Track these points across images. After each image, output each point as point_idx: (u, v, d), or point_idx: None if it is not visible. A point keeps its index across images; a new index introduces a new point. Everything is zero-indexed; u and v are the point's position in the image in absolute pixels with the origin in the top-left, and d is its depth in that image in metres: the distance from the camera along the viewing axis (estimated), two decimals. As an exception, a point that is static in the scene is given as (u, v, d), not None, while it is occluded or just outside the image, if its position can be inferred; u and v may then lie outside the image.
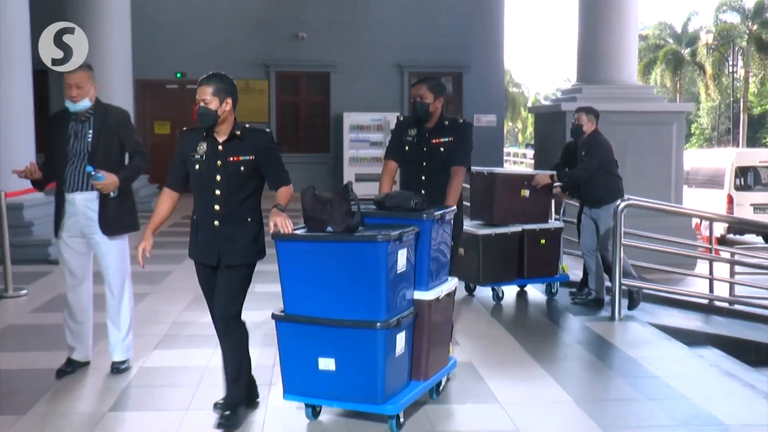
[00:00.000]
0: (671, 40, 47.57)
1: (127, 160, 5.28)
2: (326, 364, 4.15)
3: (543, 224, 7.67)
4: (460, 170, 5.25)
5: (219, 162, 4.32)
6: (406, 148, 5.35)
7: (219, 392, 4.82)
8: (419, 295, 4.45)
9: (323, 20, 18.58)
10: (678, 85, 46.55)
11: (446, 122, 5.32)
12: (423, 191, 5.10)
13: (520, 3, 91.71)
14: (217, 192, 4.32)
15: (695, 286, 10.13)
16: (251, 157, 4.32)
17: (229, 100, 4.35)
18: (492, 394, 4.93)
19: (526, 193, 7.48)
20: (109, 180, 4.94)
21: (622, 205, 7.03)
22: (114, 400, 4.81)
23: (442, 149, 5.25)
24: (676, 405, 4.79)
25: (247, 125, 4.46)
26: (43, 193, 7.89)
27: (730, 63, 41.76)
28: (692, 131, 47.38)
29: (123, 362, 5.32)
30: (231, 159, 4.31)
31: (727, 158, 19.07)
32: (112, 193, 5.00)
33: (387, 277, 4.07)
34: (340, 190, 4.22)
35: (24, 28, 10.11)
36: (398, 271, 4.19)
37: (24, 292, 7.82)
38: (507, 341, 6.17)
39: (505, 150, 24.81)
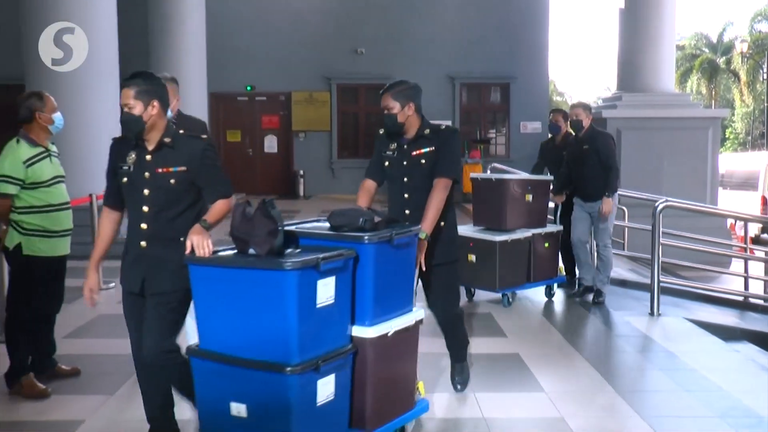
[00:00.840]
0: (707, 50, 46.49)
1: None
2: (238, 410, 3.32)
3: (547, 228, 7.35)
4: (441, 182, 4.22)
5: (146, 174, 3.55)
6: (386, 163, 4.47)
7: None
8: (359, 331, 3.53)
9: (380, 36, 18.58)
10: (713, 93, 45.49)
11: (427, 131, 4.37)
12: (406, 211, 4.37)
13: (564, 17, 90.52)
14: (144, 208, 3.55)
15: (731, 284, 9.85)
16: (183, 168, 3.55)
17: (156, 103, 3.57)
18: (538, 383, 4.88)
19: (530, 197, 7.10)
20: None
21: (661, 206, 6.89)
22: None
23: (423, 161, 4.33)
24: (713, 397, 4.67)
25: (181, 131, 3.73)
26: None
27: (764, 70, 40.70)
28: (727, 136, 46.21)
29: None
30: (159, 170, 3.55)
31: (760, 161, 18.55)
32: None
33: (301, 311, 3.18)
34: (260, 205, 3.44)
35: (113, 47, 10.31)
36: (320, 304, 3.29)
37: (112, 285, 7.93)
38: (551, 335, 6.10)
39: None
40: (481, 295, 7.28)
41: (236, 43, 18.35)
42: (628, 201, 10.99)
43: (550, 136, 8.27)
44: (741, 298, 8.89)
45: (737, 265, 10.25)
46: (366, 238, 3.49)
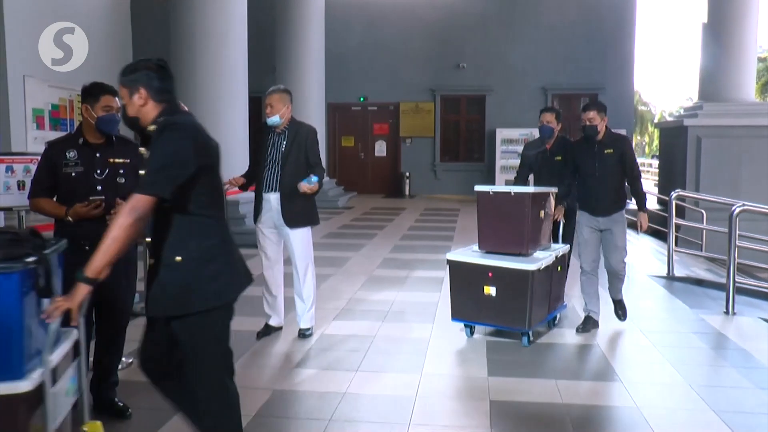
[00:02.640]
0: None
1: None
2: None
3: (560, 248, 5.73)
4: (134, 199, 2.64)
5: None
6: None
7: (385, 357, 4.81)
8: (6, 388, 2.39)
9: (480, 52, 18.35)
10: (794, 104, 42.64)
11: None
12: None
13: (649, 30, 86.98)
14: None
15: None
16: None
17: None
18: (615, 373, 4.62)
19: (542, 213, 5.46)
20: (314, 187, 4.99)
21: (738, 209, 6.42)
22: (300, 359, 4.86)
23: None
24: (787, 394, 4.27)
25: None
26: (252, 192, 8.18)
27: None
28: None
29: (308, 329, 5.37)
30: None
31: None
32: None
33: None
34: None
35: (243, 65, 10.55)
36: None
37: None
38: (630, 329, 5.76)
39: (633, 160, 23.61)
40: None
41: (351, 59, 18.52)
42: (707, 205, 10.43)
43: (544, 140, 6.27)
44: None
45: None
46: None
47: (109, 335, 3.85)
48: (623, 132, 17.71)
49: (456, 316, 5.37)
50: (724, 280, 6.64)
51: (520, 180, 6.33)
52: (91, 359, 3.89)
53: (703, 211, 10.53)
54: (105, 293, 3.69)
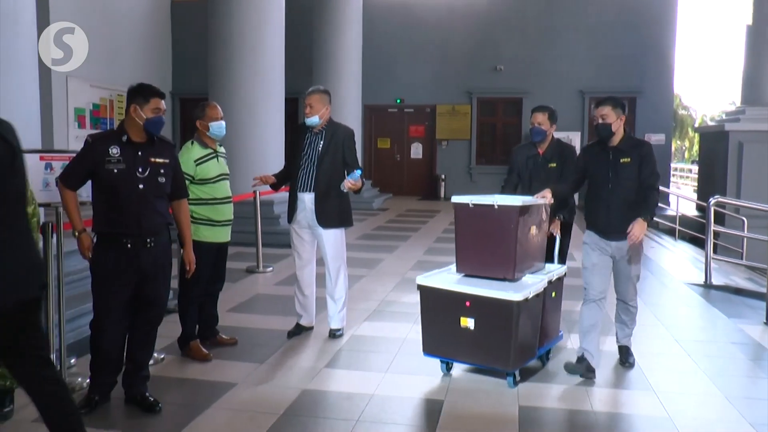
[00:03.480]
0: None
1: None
2: None
3: (554, 270, 4.79)
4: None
5: None
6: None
7: (414, 360, 4.80)
8: None
9: (518, 55, 18.23)
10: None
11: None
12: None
13: (691, 32, 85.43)
14: None
15: None
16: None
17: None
18: (648, 382, 4.53)
19: (534, 230, 4.60)
20: (358, 183, 4.99)
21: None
22: (329, 359, 4.87)
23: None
24: (827, 408, 4.13)
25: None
26: (287, 192, 8.25)
27: None
28: None
29: (338, 330, 5.38)
30: None
31: None
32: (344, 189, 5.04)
33: None
34: None
35: (280, 66, 10.64)
36: None
37: (270, 269, 8.18)
38: (664, 338, 5.67)
39: (672, 165, 23.17)
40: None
41: (388, 62, 18.55)
42: (748, 212, 10.22)
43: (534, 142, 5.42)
44: None
45: None
46: None
47: (144, 330, 3.92)
48: (661, 138, 17.72)
49: (428, 350, 4.49)
50: (764, 290, 6.48)
51: (508, 189, 5.36)
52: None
53: (744, 219, 10.31)
54: (144, 287, 3.77)
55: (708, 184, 13.33)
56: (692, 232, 12.00)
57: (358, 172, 4.98)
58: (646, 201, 4.43)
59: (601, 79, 17.81)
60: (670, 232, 12.58)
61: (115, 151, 3.70)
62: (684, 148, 58.02)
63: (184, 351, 4.86)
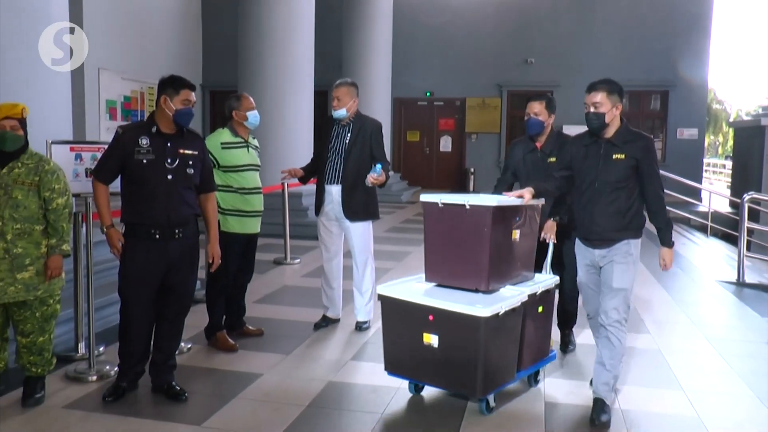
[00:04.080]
0: None
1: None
2: None
3: (541, 281, 4.15)
4: None
5: None
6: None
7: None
8: None
9: (549, 48, 18.05)
10: None
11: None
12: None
13: (728, 25, 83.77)
14: None
15: None
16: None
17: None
18: (677, 381, 4.46)
19: (516, 234, 3.99)
20: (382, 176, 4.97)
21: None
22: (355, 352, 4.87)
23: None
24: None
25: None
26: (315, 185, 8.27)
27: None
28: None
29: (365, 322, 5.39)
30: None
31: None
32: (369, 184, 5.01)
33: None
34: None
35: (309, 58, 10.66)
36: None
37: (297, 261, 8.22)
38: (694, 336, 5.58)
39: (705, 161, 22.79)
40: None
41: (418, 54, 18.49)
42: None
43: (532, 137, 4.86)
44: None
45: None
46: None
47: (171, 319, 3.96)
48: (694, 133, 17.44)
49: (390, 369, 3.97)
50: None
51: (500, 189, 4.65)
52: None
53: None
54: (172, 277, 3.81)
55: (742, 180, 13.09)
56: (725, 229, 11.79)
57: (379, 166, 4.95)
58: (658, 219, 3.79)
59: (633, 72, 17.54)
60: (702, 229, 12.38)
61: (144, 141, 3.74)
62: (717, 143, 57.09)
63: (211, 341, 4.90)
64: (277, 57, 10.13)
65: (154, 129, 3.79)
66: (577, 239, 3.98)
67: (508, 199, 3.90)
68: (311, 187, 9.33)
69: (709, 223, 12.11)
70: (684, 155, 17.33)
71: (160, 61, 16.19)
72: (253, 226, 4.97)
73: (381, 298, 3.93)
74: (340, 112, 5.10)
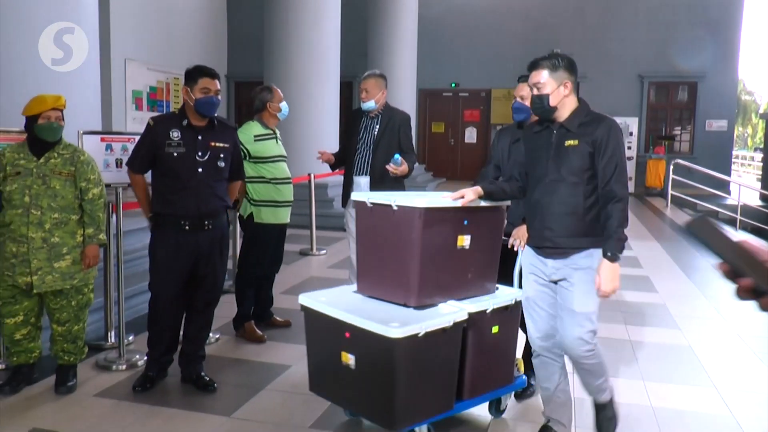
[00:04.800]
0: None
1: None
2: None
3: (492, 296, 3.43)
4: None
5: None
6: None
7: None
8: None
9: (576, 38, 17.84)
10: None
11: None
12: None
13: (759, 14, 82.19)
14: None
15: None
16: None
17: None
18: (709, 378, 4.40)
19: (465, 240, 3.29)
20: (403, 166, 4.92)
21: None
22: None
23: None
24: None
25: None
26: (341, 176, 8.28)
27: None
28: None
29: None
30: None
31: None
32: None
33: None
34: None
35: (335, 50, 10.66)
36: None
37: (323, 252, 8.25)
38: (726, 333, 5.49)
39: (734, 153, 22.46)
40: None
41: (443, 45, 18.40)
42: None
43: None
44: None
45: None
46: None
47: (201, 310, 3.99)
48: (723, 124, 17.22)
49: (314, 388, 3.47)
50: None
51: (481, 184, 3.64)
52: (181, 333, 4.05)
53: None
54: (202, 267, 3.84)
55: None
56: (755, 223, 11.63)
57: (397, 156, 4.91)
58: (608, 223, 3.00)
59: (661, 62, 17.34)
60: (731, 222, 12.22)
61: (175, 134, 3.76)
62: (747, 135, 56.23)
63: (239, 332, 4.94)
64: (303, 47, 10.15)
65: (185, 122, 3.81)
66: (527, 247, 3.29)
67: (441, 199, 3.20)
68: (337, 177, 9.31)
69: (739, 217, 11.95)
70: (713, 147, 17.09)
71: (186, 51, 16.28)
72: (285, 216, 5.00)
73: (303, 308, 3.39)
74: (369, 104, 5.08)
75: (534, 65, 3.18)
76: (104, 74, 11.72)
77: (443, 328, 3.05)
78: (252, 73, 14.56)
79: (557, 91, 3.09)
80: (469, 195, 3.23)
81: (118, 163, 4.42)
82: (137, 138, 4.03)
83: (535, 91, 3.13)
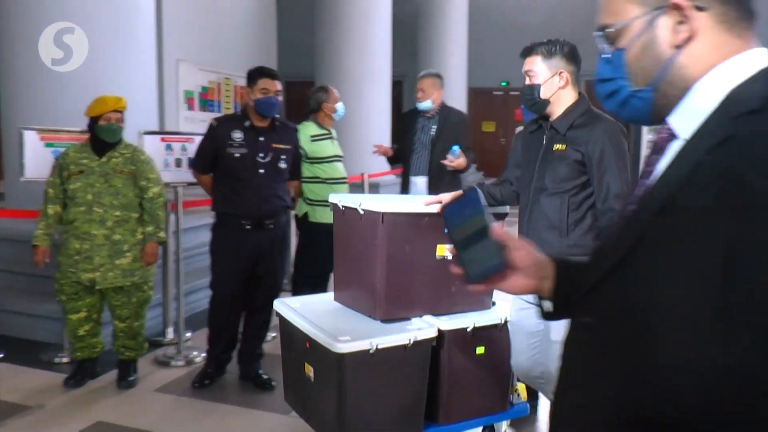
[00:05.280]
0: None
1: None
2: None
3: (481, 312, 2.91)
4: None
5: None
6: None
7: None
8: None
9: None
10: None
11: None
12: None
13: None
14: None
15: None
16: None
17: None
18: None
19: (446, 250, 2.79)
20: (460, 158, 4.85)
21: None
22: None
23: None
24: None
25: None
26: (393, 175, 8.28)
27: None
28: None
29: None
30: None
31: None
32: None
33: None
34: None
35: (386, 49, 10.67)
36: None
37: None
38: None
39: None
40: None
41: (493, 43, 18.27)
42: None
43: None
44: None
45: None
46: None
47: (260, 309, 4.03)
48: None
49: (287, 398, 3.20)
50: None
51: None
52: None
53: None
54: (262, 266, 3.88)
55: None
56: None
57: (455, 148, 4.85)
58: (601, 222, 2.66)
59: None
60: None
61: (238, 135, 3.80)
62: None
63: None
64: (354, 46, 10.18)
65: (247, 123, 3.84)
66: None
67: (411, 204, 2.82)
68: (389, 178, 9.31)
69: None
70: None
71: (237, 51, 16.46)
72: (341, 215, 5.01)
73: (277, 314, 3.13)
74: (426, 104, 5.08)
75: (529, 51, 2.91)
76: (157, 75, 11.93)
77: (403, 345, 2.67)
78: (302, 72, 14.71)
79: (550, 82, 2.79)
80: (447, 200, 2.80)
81: (178, 163, 4.50)
82: (196, 138, 4.10)
83: (527, 80, 2.83)
